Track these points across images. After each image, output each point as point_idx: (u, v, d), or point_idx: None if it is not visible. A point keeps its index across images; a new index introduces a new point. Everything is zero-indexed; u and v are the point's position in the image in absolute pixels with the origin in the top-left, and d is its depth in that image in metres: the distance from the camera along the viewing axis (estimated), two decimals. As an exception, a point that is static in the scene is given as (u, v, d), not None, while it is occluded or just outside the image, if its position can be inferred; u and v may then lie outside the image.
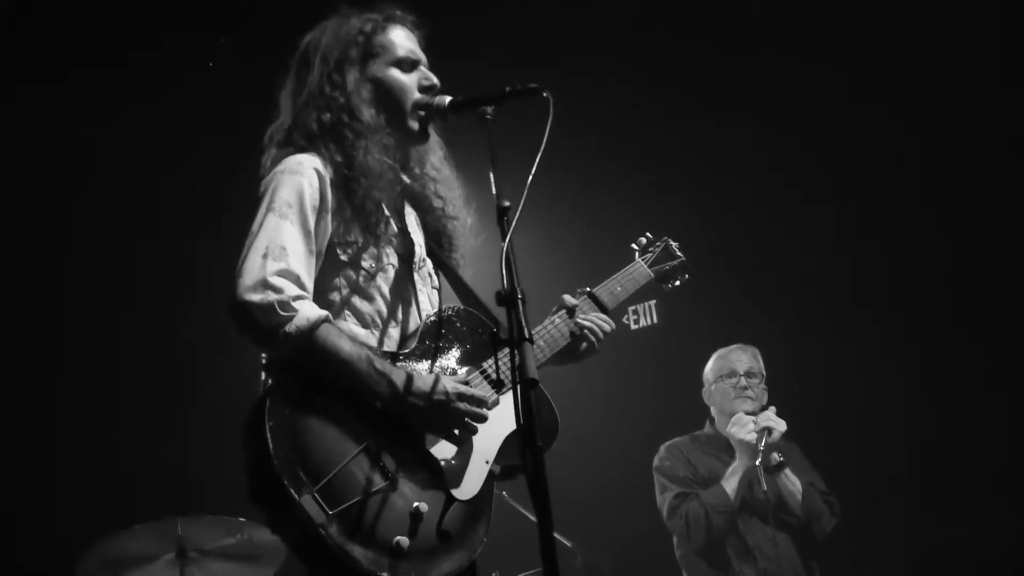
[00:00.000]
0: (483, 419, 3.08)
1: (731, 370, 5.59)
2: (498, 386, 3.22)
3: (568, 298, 3.52)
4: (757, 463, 5.22)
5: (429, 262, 3.44)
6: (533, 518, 2.55)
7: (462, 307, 3.37)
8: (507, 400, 3.19)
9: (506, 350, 3.12)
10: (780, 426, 5.26)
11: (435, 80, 3.34)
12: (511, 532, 5.11)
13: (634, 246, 3.89)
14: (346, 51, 3.29)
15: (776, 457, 5.24)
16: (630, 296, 3.71)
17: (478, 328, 3.33)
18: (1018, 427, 6.50)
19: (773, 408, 5.39)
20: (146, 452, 6.25)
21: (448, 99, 3.24)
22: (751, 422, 5.29)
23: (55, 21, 5.96)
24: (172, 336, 6.41)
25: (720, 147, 7.02)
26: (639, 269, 3.79)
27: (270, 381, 3.04)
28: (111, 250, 6.45)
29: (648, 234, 3.93)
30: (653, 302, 5.45)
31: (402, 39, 3.35)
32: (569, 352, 3.47)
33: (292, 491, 2.79)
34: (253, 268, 2.97)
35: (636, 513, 6.09)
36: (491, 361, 3.24)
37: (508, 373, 3.17)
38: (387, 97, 3.29)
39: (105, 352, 6.41)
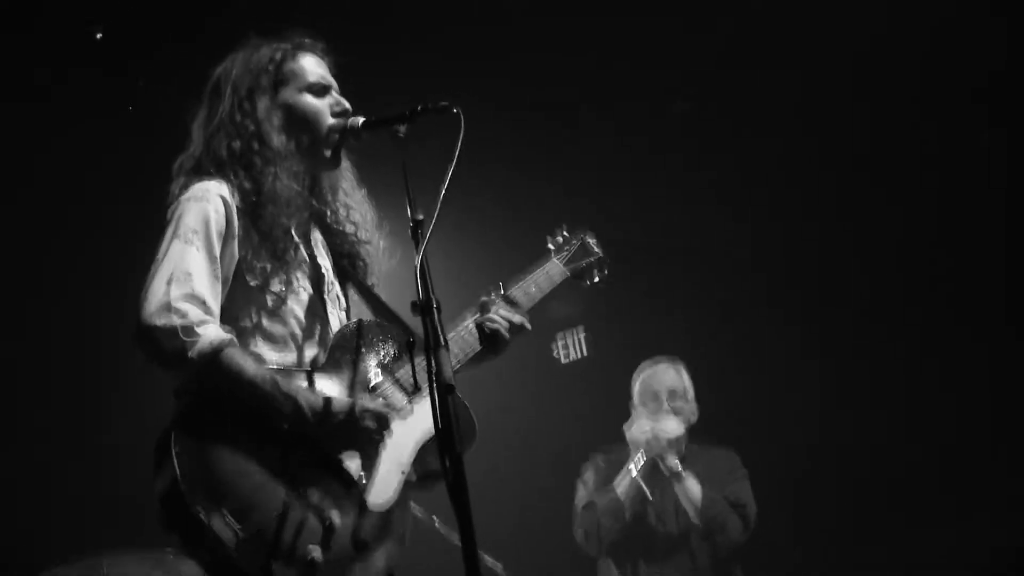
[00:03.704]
0: (389, 432, 3.07)
1: (653, 392, 5.56)
2: (411, 393, 3.21)
3: (485, 299, 3.50)
4: (634, 473, 5.27)
5: (336, 285, 3.42)
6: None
7: (373, 319, 3.36)
8: (421, 407, 3.19)
9: (419, 357, 3.05)
10: (670, 432, 5.28)
11: (347, 105, 3.34)
12: (443, 562, 5.24)
13: (550, 244, 3.85)
14: (257, 79, 3.30)
15: (674, 466, 5.27)
16: (546, 295, 3.66)
17: (389, 337, 3.32)
18: (954, 429, 6.68)
19: (671, 414, 5.38)
20: (62, 484, 6.13)
21: (361, 119, 3.26)
22: (647, 425, 5.33)
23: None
24: (83, 358, 6.29)
25: (641, 152, 7.09)
26: (554, 267, 3.75)
27: (179, 407, 3.00)
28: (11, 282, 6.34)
29: (565, 230, 3.90)
30: (583, 334, 5.52)
31: (312, 65, 3.37)
32: (482, 354, 3.44)
33: (201, 515, 2.76)
34: (158, 293, 2.95)
35: (569, 534, 6.25)
36: (403, 369, 3.23)
37: (420, 380, 3.15)
38: (300, 122, 3.29)
39: (16, 374, 6.26)
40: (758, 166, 7.08)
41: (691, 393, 5.62)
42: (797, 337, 7.19)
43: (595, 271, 3.92)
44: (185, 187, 3.20)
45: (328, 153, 3.34)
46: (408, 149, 3.02)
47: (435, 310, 2.73)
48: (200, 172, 3.24)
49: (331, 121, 3.33)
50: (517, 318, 3.49)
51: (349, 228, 3.48)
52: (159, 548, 4.99)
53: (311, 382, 3.11)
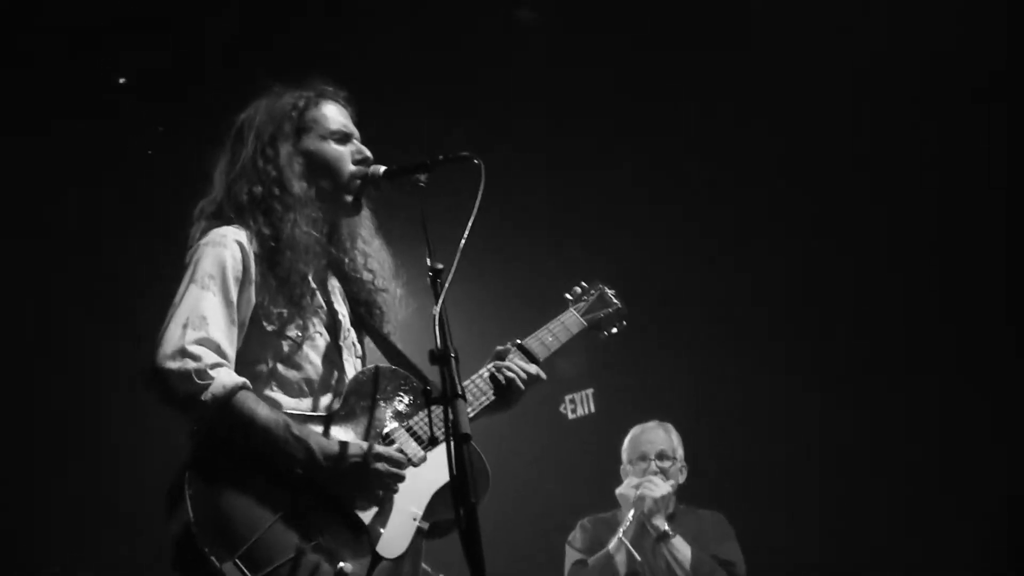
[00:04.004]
0: (401, 479, 3.05)
1: (642, 453, 5.54)
2: (425, 442, 3.18)
3: (500, 349, 3.51)
4: (620, 534, 5.26)
5: (352, 332, 3.42)
6: None
7: (388, 366, 3.33)
8: (434, 456, 3.16)
9: (434, 406, 3.13)
10: (656, 493, 5.26)
11: (368, 153, 3.36)
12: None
13: (568, 296, 3.86)
14: (279, 126, 3.32)
15: (660, 526, 5.24)
16: (563, 345, 3.64)
17: (404, 386, 3.30)
18: (955, 429, 6.63)
19: (661, 477, 5.38)
20: (62, 485, 6.24)
21: (382, 168, 3.27)
22: (635, 483, 5.35)
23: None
24: (83, 359, 6.36)
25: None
26: (571, 317, 3.75)
27: (192, 448, 2.98)
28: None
29: (583, 283, 3.90)
30: (591, 391, 5.50)
31: (334, 113, 3.39)
32: (497, 404, 3.42)
33: (213, 559, 2.75)
34: (172, 337, 2.97)
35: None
36: (417, 418, 3.22)
37: (436, 429, 3.16)
38: (321, 169, 3.31)
39: (15, 375, 6.33)
40: (759, 168, 7.09)
41: (680, 453, 5.61)
42: (792, 334, 7.15)
43: (613, 322, 3.92)
44: (204, 232, 3.22)
45: (349, 199, 3.35)
46: (428, 198, 3.05)
47: (453, 359, 2.71)
48: (220, 217, 3.26)
49: (352, 168, 3.34)
50: (532, 368, 3.48)
51: (366, 276, 3.49)
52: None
53: (325, 428, 3.11)
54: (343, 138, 3.38)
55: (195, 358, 2.95)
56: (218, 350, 3.02)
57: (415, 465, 3.15)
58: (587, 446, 6.82)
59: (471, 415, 3.28)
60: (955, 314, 6.88)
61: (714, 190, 7.11)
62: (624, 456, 5.69)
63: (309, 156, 3.33)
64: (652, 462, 5.50)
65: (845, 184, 6.98)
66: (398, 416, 3.26)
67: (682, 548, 5.28)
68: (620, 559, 5.28)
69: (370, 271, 3.49)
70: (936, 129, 6.76)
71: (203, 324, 3.02)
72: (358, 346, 3.45)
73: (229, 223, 3.22)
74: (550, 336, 3.63)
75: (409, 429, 3.23)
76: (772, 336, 7.12)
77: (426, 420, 3.22)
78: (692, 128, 6.90)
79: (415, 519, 3.13)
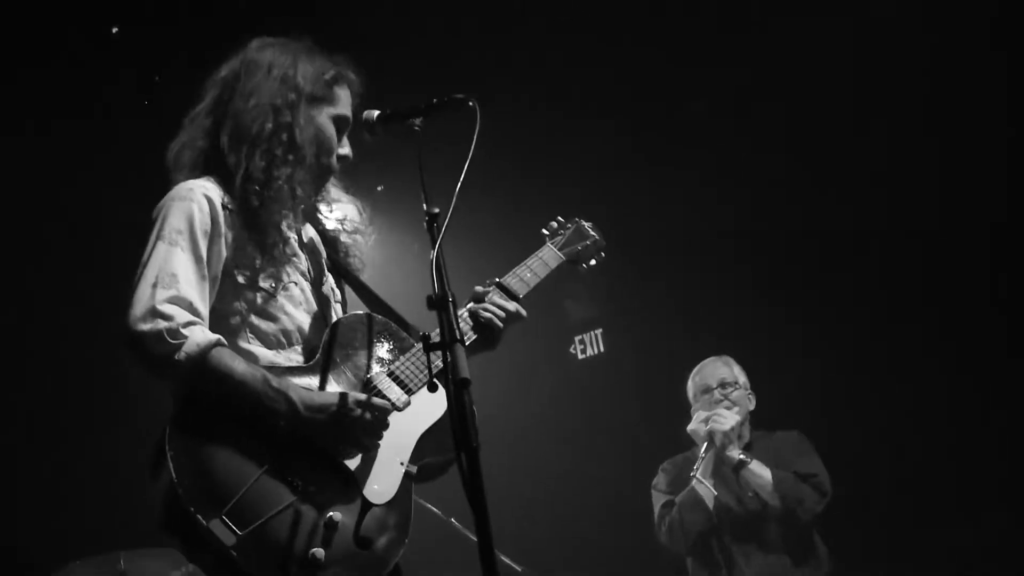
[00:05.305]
0: (385, 426, 3.04)
1: (705, 386, 5.70)
2: (408, 387, 3.18)
3: (480, 289, 3.49)
4: (697, 474, 5.40)
5: (330, 279, 3.40)
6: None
7: (368, 313, 3.32)
8: (418, 400, 3.16)
9: (414, 351, 3.20)
10: (724, 424, 5.41)
11: (350, 153, 3.36)
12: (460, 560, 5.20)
13: (544, 231, 3.85)
14: (315, 84, 3.29)
15: (735, 456, 5.39)
16: (543, 280, 3.63)
17: (384, 331, 3.29)
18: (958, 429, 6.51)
19: (726, 405, 5.55)
20: (81, 482, 6.14)
21: (376, 112, 3.21)
22: (703, 416, 5.50)
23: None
24: (101, 361, 6.14)
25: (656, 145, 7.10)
26: (548, 252, 3.74)
27: (174, 408, 2.95)
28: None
29: (559, 217, 3.90)
30: (600, 330, 5.52)
31: (347, 98, 3.36)
32: (478, 344, 3.41)
33: (199, 517, 2.73)
34: (143, 297, 2.92)
35: (599, 537, 6.23)
36: (399, 362, 3.21)
37: (418, 373, 3.18)
38: (320, 145, 3.28)
39: (31, 379, 6.29)
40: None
41: (742, 380, 5.74)
42: (799, 333, 7.16)
43: (591, 254, 3.92)
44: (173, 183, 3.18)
45: (326, 182, 3.39)
46: (423, 143, 3.02)
47: (451, 304, 2.71)
48: (215, 136, 3.24)
49: (334, 162, 3.36)
50: (512, 305, 3.46)
51: (338, 216, 3.47)
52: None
53: (305, 379, 3.08)
54: (343, 123, 3.37)
55: (167, 317, 2.91)
56: (190, 307, 2.98)
57: (399, 410, 3.13)
58: (592, 383, 6.71)
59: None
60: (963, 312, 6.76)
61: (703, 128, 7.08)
62: (690, 396, 5.83)
63: (319, 128, 3.30)
64: (715, 391, 5.66)
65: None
66: (380, 362, 3.24)
67: (761, 471, 5.41)
68: (705, 492, 5.43)
69: (343, 213, 3.48)
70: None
71: (173, 282, 2.98)
72: (337, 292, 3.43)
73: (197, 174, 3.20)
74: (528, 272, 3.62)
75: (391, 374, 3.21)
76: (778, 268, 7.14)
77: (408, 364, 3.22)
78: (696, 71, 6.87)
79: (402, 464, 3.12)
